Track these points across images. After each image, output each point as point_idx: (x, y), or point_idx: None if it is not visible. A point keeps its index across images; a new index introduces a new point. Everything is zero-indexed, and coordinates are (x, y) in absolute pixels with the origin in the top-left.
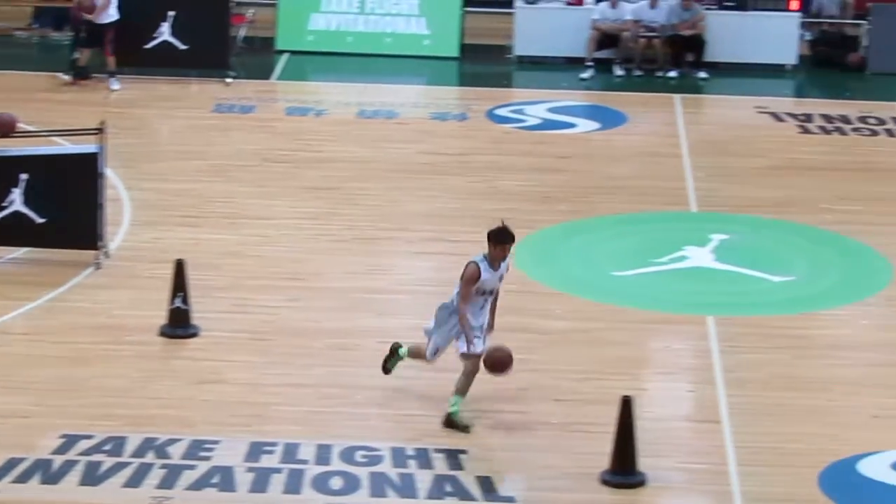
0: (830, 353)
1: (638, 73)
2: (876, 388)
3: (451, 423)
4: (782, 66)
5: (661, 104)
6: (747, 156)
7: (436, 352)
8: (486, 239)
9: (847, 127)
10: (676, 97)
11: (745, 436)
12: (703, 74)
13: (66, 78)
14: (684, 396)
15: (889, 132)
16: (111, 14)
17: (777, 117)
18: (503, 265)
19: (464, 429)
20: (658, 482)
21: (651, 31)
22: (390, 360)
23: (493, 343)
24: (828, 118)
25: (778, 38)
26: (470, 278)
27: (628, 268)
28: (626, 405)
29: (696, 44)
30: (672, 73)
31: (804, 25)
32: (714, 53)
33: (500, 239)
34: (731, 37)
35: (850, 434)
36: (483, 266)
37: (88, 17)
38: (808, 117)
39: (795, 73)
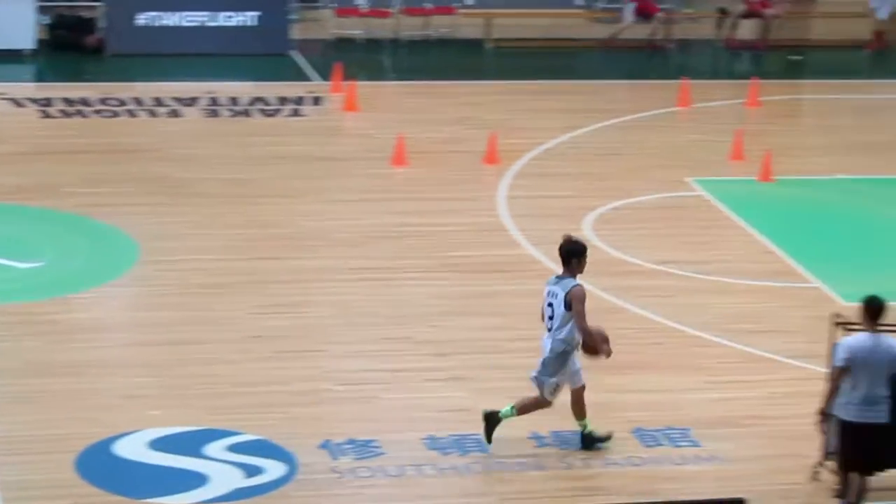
0: (82, 337)
1: None
2: (128, 368)
3: (592, 440)
4: (20, 51)
5: None
6: None
7: (556, 389)
8: (565, 256)
9: (88, 109)
10: None
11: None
12: None
13: None
14: None
15: (130, 112)
16: None
17: (17, 103)
18: None
19: (607, 438)
20: None
21: None
22: (491, 429)
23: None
24: (69, 101)
25: (14, 22)
26: (584, 297)
27: None
28: None
29: None
30: None
31: (41, 10)
32: None
33: (585, 248)
34: None
35: (104, 416)
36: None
37: None
38: (48, 101)
39: (34, 57)
